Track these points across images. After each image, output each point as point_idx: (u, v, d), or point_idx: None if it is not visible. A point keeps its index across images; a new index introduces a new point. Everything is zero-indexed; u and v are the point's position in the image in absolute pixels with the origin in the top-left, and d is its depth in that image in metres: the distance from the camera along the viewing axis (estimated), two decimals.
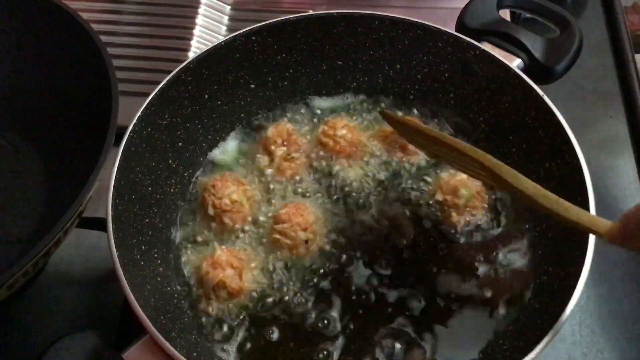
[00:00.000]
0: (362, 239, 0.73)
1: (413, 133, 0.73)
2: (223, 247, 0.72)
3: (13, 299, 0.66)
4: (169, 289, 0.69)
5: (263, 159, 0.78)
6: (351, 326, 0.67)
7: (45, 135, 0.84)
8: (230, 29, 1.03)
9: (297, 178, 0.77)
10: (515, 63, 0.77)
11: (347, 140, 0.78)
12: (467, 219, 0.73)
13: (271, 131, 0.79)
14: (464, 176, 0.74)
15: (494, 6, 0.82)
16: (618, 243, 0.55)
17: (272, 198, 0.76)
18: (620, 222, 0.54)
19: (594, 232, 0.57)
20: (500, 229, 0.73)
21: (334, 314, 0.68)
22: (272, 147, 0.78)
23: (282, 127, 0.79)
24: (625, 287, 0.80)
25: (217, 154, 0.81)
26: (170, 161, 0.76)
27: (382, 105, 0.83)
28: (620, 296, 0.79)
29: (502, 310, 0.67)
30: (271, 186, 0.77)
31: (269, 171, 0.77)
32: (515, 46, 0.78)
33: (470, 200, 0.73)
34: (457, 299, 0.68)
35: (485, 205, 0.74)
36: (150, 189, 0.73)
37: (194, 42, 0.99)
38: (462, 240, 0.72)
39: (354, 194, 0.76)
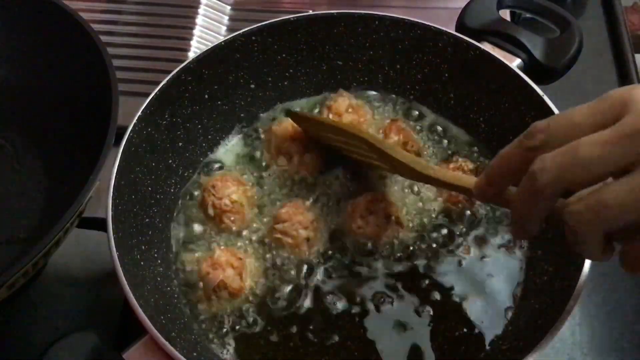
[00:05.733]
0: (365, 235, 0.73)
1: (316, 127, 0.76)
2: (223, 247, 0.72)
3: (13, 299, 0.66)
4: (169, 289, 0.69)
5: (281, 159, 0.78)
6: (355, 325, 0.67)
7: (45, 135, 0.84)
8: (230, 29, 1.03)
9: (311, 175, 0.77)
10: (515, 63, 0.77)
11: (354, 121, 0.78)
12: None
13: (278, 130, 0.79)
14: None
15: (494, 6, 0.82)
16: (482, 197, 0.57)
17: (276, 198, 0.76)
18: (484, 174, 0.55)
19: (463, 190, 0.60)
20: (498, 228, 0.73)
21: (337, 313, 0.68)
22: (285, 145, 0.78)
23: (287, 124, 0.79)
24: (625, 287, 0.80)
25: (217, 154, 0.81)
26: (170, 161, 0.76)
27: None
28: (620, 296, 0.79)
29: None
30: (287, 184, 0.77)
31: (287, 169, 0.77)
32: (515, 46, 0.78)
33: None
34: (457, 295, 0.69)
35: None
36: (150, 189, 0.73)
37: (194, 42, 0.99)
38: (461, 237, 0.72)
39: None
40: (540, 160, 0.47)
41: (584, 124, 0.46)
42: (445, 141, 0.80)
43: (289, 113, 0.79)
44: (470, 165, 0.76)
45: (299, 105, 0.84)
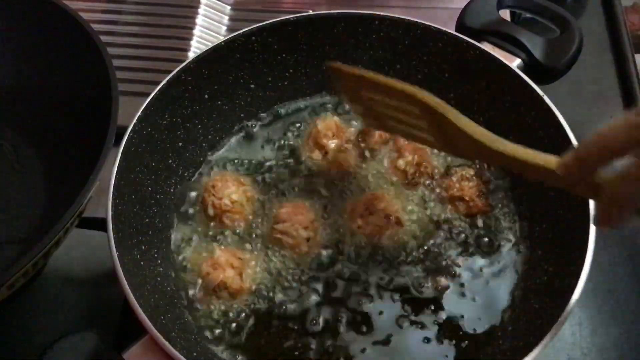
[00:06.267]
0: (365, 235, 0.72)
1: (359, 85, 0.67)
2: (223, 247, 0.72)
3: (13, 299, 0.66)
4: (169, 289, 0.69)
5: (315, 153, 0.78)
6: (355, 324, 0.67)
7: (45, 135, 0.84)
8: (230, 29, 1.03)
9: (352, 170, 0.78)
10: (515, 63, 0.77)
11: None
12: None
13: (321, 125, 0.79)
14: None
15: (494, 6, 0.82)
16: (569, 179, 0.51)
17: (276, 198, 0.76)
18: (575, 151, 0.50)
19: (542, 170, 0.53)
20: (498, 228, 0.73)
21: (337, 312, 0.68)
22: (324, 141, 0.78)
23: (330, 121, 0.80)
24: (625, 287, 0.80)
25: (217, 154, 0.81)
26: (170, 161, 0.76)
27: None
28: (620, 296, 0.79)
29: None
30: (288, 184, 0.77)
31: (323, 165, 0.78)
32: (515, 46, 0.78)
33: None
34: (457, 295, 0.69)
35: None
36: (150, 189, 0.73)
37: (194, 42, 0.99)
38: (462, 237, 0.73)
39: None
40: None
41: None
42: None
43: (329, 66, 0.70)
44: (471, 172, 0.76)
45: (298, 105, 0.84)
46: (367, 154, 0.79)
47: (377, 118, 0.69)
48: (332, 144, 0.78)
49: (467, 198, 0.73)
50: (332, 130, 0.79)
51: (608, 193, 0.47)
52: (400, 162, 0.76)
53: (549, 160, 0.53)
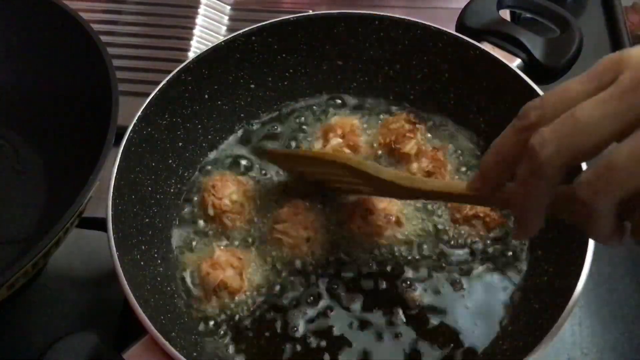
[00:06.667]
0: (365, 235, 0.73)
1: (293, 163, 0.75)
2: (223, 247, 0.72)
3: (13, 299, 0.66)
4: (169, 289, 0.69)
5: (318, 143, 0.78)
6: (355, 325, 0.67)
7: (45, 135, 0.84)
8: (230, 29, 1.03)
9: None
10: (515, 63, 0.77)
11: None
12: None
13: (335, 120, 0.79)
14: None
15: (494, 6, 0.82)
16: (479, 198, 0.54)
17: (276, 198, 0.76)
18: (478, 171, 0.52)
19: (457, 196, 0.57)
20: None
21: (337, 312, 0.68)
22: (330, 134, 0.78)
23: (347, 120, 0.79)
24: (625, 287, 0.80)
25: (217, 154, 0.81)
26: (170, 161, 0.76)
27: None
28: (620, 296, 0.79)
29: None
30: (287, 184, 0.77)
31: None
32: (515, 46, 0.78)
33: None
34: (457, 295, 0.69)
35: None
36: (150, 189, 0.73)
37: (194, 42, 0.99)
38: (462, 237, 0.73)
39: None
40: (538, 134, 0.43)
41: (580, 92, 0.44)
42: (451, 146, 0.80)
43: (260, 152, 0.79)
44: None
45: (298, 105, 0.84)
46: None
47: (317, 184, 0.74)
48: (334, 140, 0.78)
49: (482, 215, 0.72)
50: (343, 128, 0.78)
51: (516, 198, 0.48)
52: (414, 166, 0.76)
53: (461, 186, 0.56)
